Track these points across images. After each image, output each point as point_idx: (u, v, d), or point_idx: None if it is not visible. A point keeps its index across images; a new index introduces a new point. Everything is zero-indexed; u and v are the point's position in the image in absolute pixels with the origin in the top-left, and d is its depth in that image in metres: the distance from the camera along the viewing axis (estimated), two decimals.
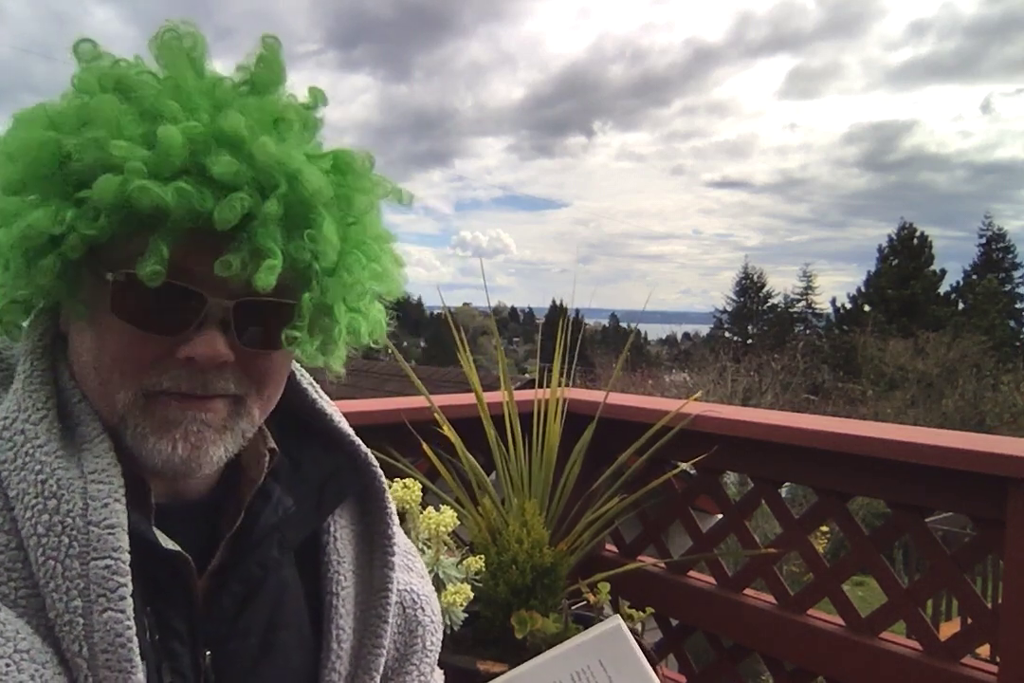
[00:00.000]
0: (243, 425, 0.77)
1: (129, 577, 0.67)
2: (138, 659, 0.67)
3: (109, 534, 0.67)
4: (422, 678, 0.95)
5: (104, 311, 0.71)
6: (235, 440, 0.76)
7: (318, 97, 0.78)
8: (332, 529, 0.89)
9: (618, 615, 1.27)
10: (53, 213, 0.67)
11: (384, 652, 0.88)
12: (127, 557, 0.67)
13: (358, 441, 0.92)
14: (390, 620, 0.89)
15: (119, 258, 0.70)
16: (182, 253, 0.68)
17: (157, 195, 0.65)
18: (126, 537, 0.68)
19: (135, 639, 0.66)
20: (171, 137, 0.65)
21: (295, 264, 0.70)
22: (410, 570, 0.97)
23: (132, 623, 0.66)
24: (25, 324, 0.78)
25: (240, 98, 0.72)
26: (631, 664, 1.19)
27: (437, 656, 0.98)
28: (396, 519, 0.94)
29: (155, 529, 0.74)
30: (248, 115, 0.69)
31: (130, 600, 0.67)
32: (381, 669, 0.88)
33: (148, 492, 0.74)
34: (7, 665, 0.62)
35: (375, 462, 0.93)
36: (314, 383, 0.95)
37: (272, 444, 0.85)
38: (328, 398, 0.95)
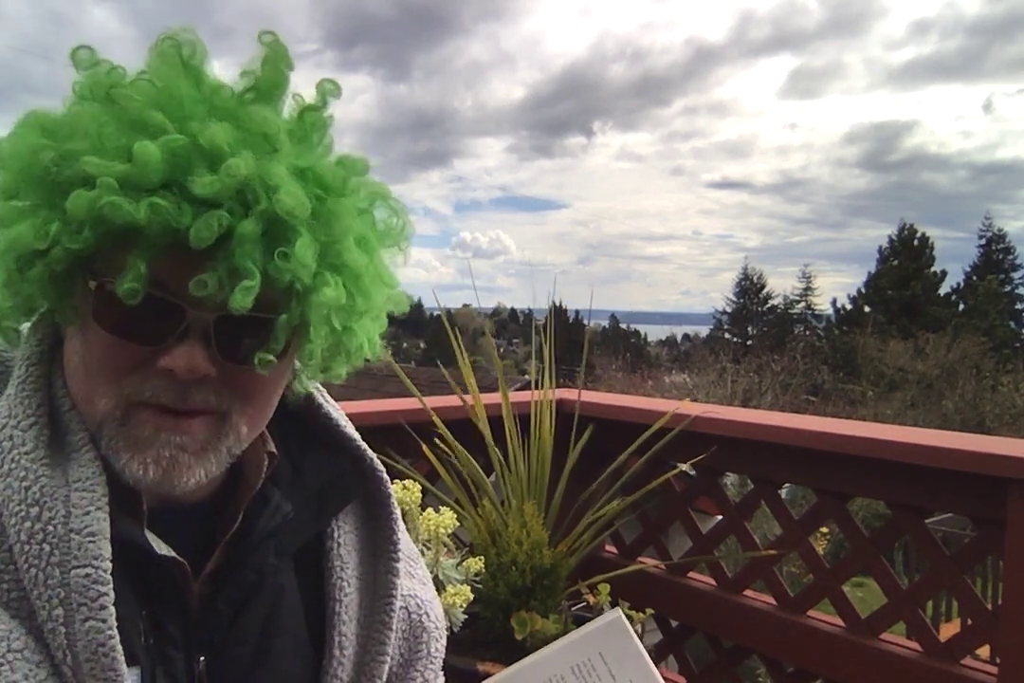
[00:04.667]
0: (228, 443, 0.75)
1: (111, 586, 0.66)
2: (123, 668, 0.66)
3: (90, 542, 0.66)
4: None
5: (90, 318, 0.71)
6: (219, 459, 0.74)
7: (327, 93, 0.75)
8: (336, 534, 0.88)
9: (618, 608, 1.26)
10: (38, 226, 0.66)
11: (388, 659, 0.87)
12: (108, 565, 0.66)
13: (364, 446, 0.91)
14: (394, 627, 0.88)
15: (104, 268, 0.69)
16: (164, 266, 0.67)
17: (128, 212, 0.63)
18: (108, 545, 0.67)
19: (119, 648, 0.66)
20: (148, 153, 0.64)
21: (274, 284, 0.68)
22: (412, 576, 0.96)
23: (115, 632, 0.66)
24: (26, 328, 0.78)
25: (241, 106, 0.70)
26: (632, 656, 1.18)
27: (441, 662, 0.97)
28: (402, 525, 0.93)
29: (149, 533, 0.73)
30: (241, 127, 0.68)
31: (112, 609, 0.66)
32: (385, 676, 0.88)
33: (140, 497, 0.73)
34: (0, 665, 0.62)
35: (381, 468, 0.91)
36: (320, 386, 0.94)
37: (272, 448, 0.84)
38: (334, 402, 0.94)
